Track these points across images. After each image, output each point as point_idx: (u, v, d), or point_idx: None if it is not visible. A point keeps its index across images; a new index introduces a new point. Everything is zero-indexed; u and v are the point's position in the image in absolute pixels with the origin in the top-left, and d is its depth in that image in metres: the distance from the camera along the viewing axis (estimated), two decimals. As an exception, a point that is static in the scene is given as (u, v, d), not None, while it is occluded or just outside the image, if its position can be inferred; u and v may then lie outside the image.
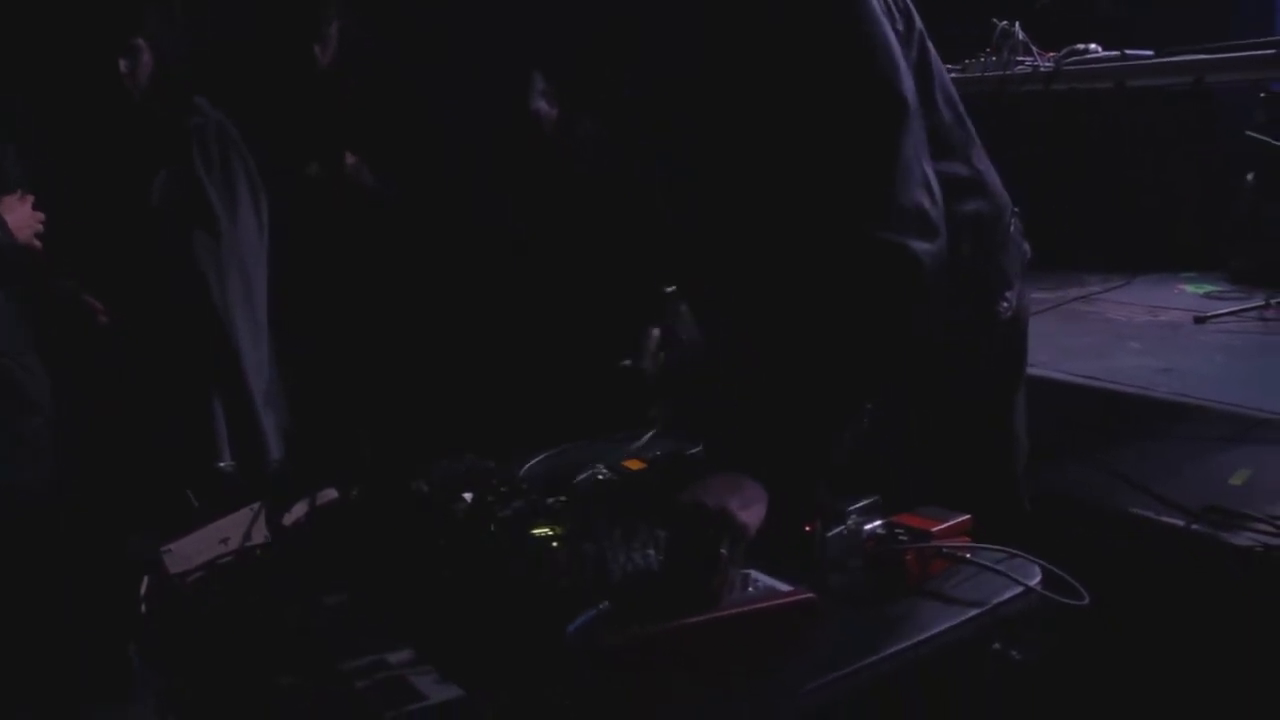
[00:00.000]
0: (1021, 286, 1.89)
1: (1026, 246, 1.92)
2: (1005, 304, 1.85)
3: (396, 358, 3.42)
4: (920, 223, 1.54)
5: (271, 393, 3.00)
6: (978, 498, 1.68)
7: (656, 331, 2.23)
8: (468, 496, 1.62)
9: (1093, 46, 3.59)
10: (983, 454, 1.88)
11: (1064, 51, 3.53)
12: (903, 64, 1.59)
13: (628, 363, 2.25)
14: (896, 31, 1.63)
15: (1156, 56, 3.41)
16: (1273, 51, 3.08)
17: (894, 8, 1.66)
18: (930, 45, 1.76)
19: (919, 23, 1.73)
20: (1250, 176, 5.14)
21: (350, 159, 3.88)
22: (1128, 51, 3.46)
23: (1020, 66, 3.52)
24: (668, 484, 1.53)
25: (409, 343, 3.48)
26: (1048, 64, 3.51)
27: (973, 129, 1.84)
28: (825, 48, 1.56)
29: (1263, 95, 4.95)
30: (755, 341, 1.74)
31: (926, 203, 1.55)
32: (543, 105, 3.74)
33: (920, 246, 1.52)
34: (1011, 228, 1.87)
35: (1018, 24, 3.55)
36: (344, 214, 3.72)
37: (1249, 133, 4.91)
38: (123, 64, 3.03)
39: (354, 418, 1.88)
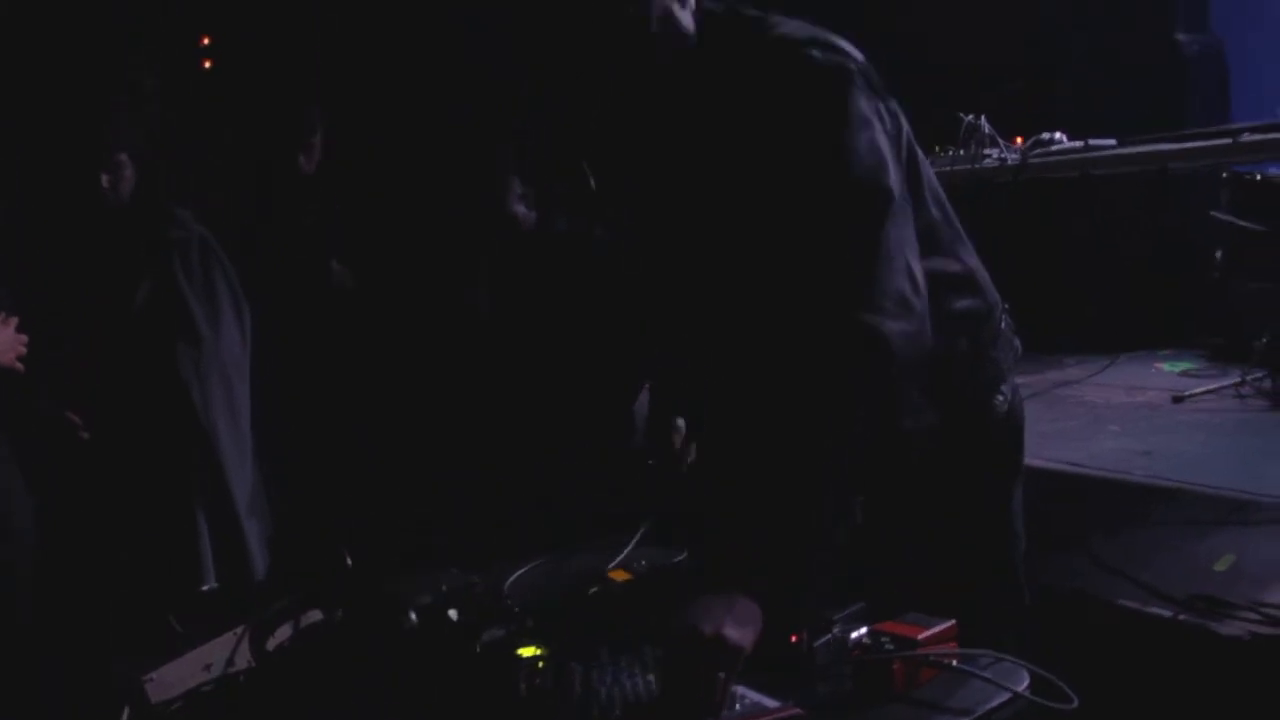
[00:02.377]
0: (1015, 382, 1.90)
1: (1018, 343, 1.94)
2: (1000, 398, 1.87)
3: (380, 467, 3.41)
4: (899, 307, 1.55)
5: (255, 505, 2.98)
6: (976, 595, 1.68)
7: (681, 422, 2.21)
8: (453, 614, 1.61)
9: (1058, 136, 3.68)
10: (981, 551, 1.88)
11: (1030, 142, 3.62)
12: (890, 159, 1.63)
13: (652, 462, 2.22)
14: (887, 133, 1.66)
15: (1119, 146, 3.50)
16: (1229, 141, 3.17)
17: (884, 110, 1.69)
18: (917, 148, 1.79)
19: (906, 126, 1.76)
20: (1219, 254, 5.23)
21: (336, 266, 3.92)
22: (1091, 141, 3.54)
23: (988, 159, 3.60)
24: (656, 599, 1.52)
25: (392, 452, 3.48)
26: (1014, 156, 3.59)
27: (960, 227, 1.86)
28: (816, 142, 1.60)
29: (1225, 175, 5.06)
30: (733, 435, 1.76)
31: (908, 290, 1.57)
32: (520, 208, 3.78)
33: (894, 326, 1.53)
34: (1003, 324, 1.90)
35: (983, 118, 3.63)
36: (329, 320, 3.74)
37: (1214, 213, 5.01)
38: (105, 178, 3.05)
39: (336, 533, 1.87)
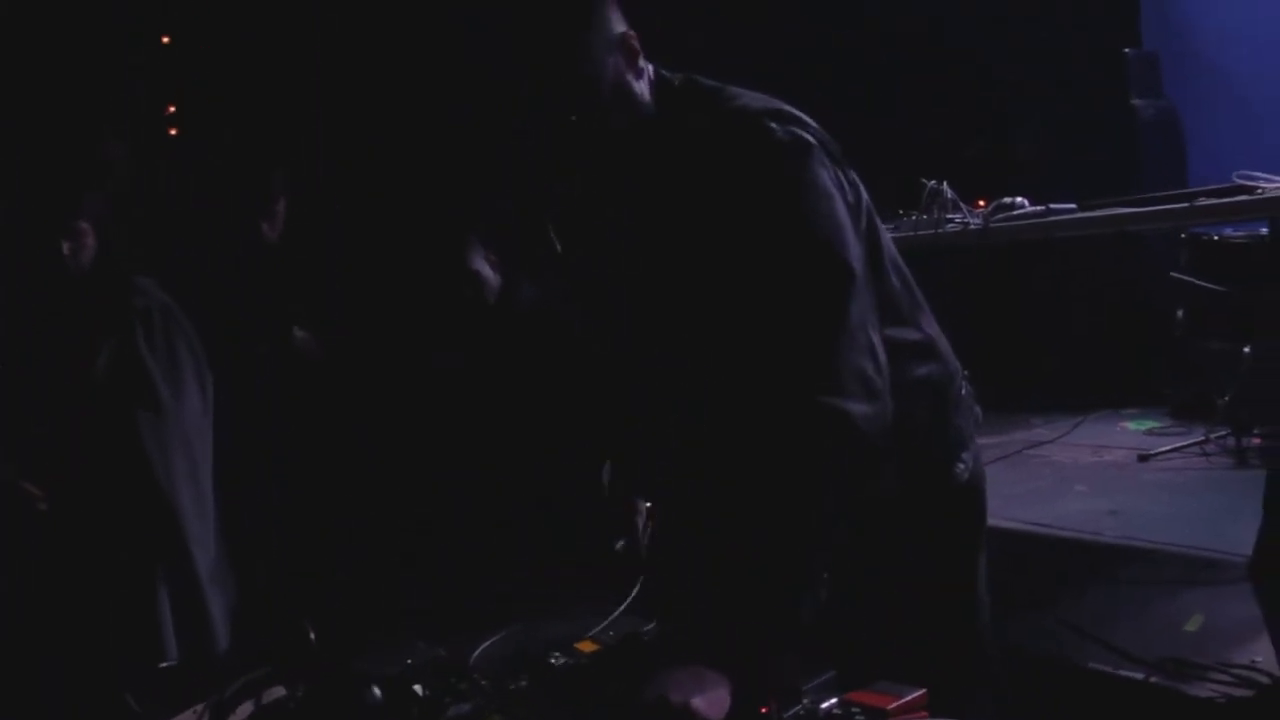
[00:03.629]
0: (976, 448, 1.90)
1: (978, 410, 1.94)
2: (961, 465, 1.86)
3: (345, 534, 3.38)
4: (862, 387, 1.56)
5: (219, 576, 2.93)
6: (944, 663, 1.67)
7: (647, 506, 2.20)
8: (418, 689, 1.58)
9: (1019, 200, 3.72)
10: (947, 616, 1.86)
11: (992, 207, 3.66)
12: (851, 235, 1.63)
13: (620, 544, 2.20)
14: (847, 203, 1.67)
15: (1079, 210, 3.55)
16: (1186, 205, 3.22)
17: (845, 181, 1.70)
18: (876, 216, 1.80)
19: (865, 195, 1.77)
20: (1180, 313, 5.29)
21: (299, 332, 3.90)
22: (1052, 206, 3.59)
23: (951, 224, 3.64)
24: (623, 671, 1.51)
25: (357, 518, 3.44)
26: (976, 220, 3.63)
27: (920, 295, 1.87)
28: (777, 216, 1.60)
29: (1183, 236, 5.15)
30: (699, 508, 1.75)
31: (870, 368, 1.57)
32: (483, 267, 3.78)
33: (857, 408, 1.53)
34: (963, 390, 1.89)
35: (945, 183, 3.68)
36: (292, 387, 3.72)
37: (1174, 274, 5.09)
38: (65, 246, 3.02)
39: (298, 604, 1.84)
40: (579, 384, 3.19)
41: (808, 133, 1.65)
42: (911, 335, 1.81)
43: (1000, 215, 3.62)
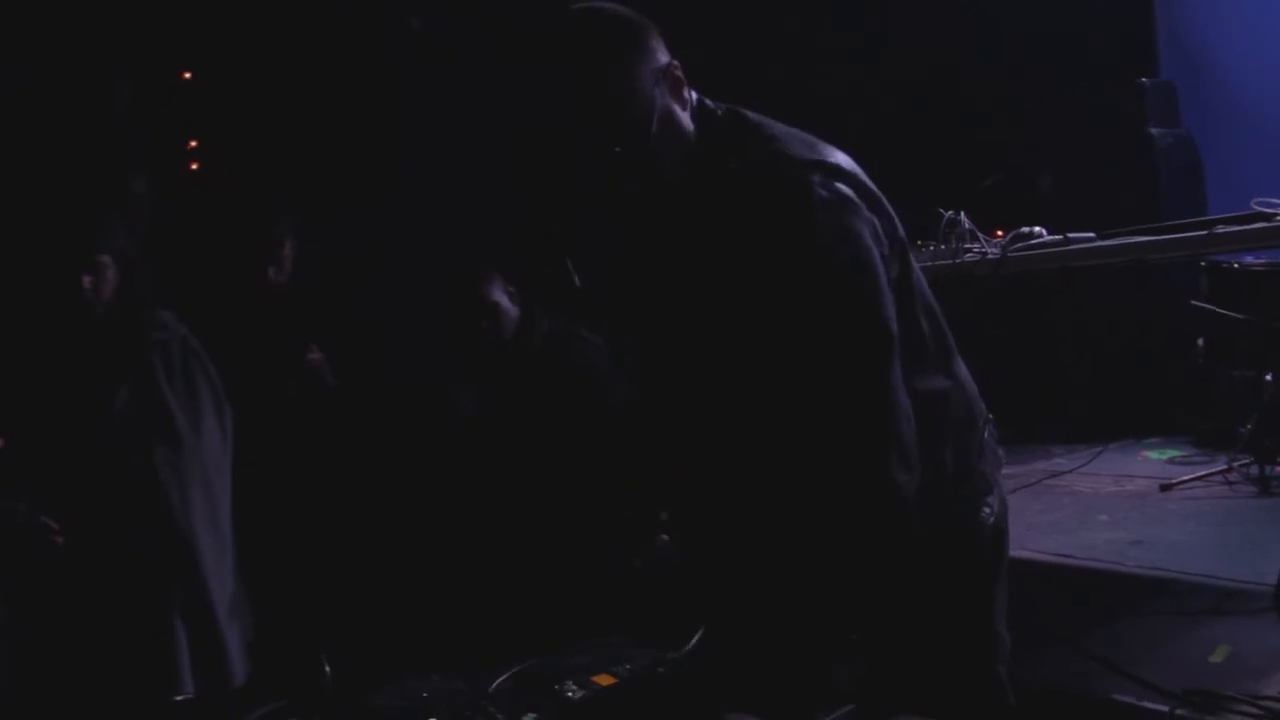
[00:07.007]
0: (1000, 491, 1.88)
1: (1000, 452, 1.92)
2: (987, 510, 1.84)
3: (363, 567, 3.37)
4: (908, 457, 1.58)
5: (236, 609, 2.93)
6: (962, 698, 1.66)
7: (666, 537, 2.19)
8: (435, 723, 1.58)
9: (1038, 229, 3.70)
10: (965, 654, 1.85)
11: (1010, 236, 3.65)
12: (887, 293, 1.63)
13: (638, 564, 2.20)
14: (883, 256, 1.65)
15: (1099, 239, 3.53)
16: (1205, 233, 3.21)
17: (880, 230, 1.68)
18: (911, 257, 1.78)
19: (901, 233, 1.75)
20: (1201, 341, 5.26)
21: (314, 356, 3.90)
22: (1070, 235, 3.57)
23: (969, 253, 3.63)
24: (640, 705, 1.50)
25: (375, 551, 3.44)
26: (994, 250, 3.61)
27: (950, 339, 1.85)
28: (817, 275, 1.59)
29: (1203, 264, 5.12)
30: (739, 561, 1.75)
31: (910, 438, 1.60)
32: (502, 299, 3.79)
33: (904, 478, 1.57)
34: (987, 434, 1.87)
35: (963, 213, 3.67)
36: (307, 416, 3.72)
37: (1194, 302, 5.05)
38: (86, 280, 3.04)
39: (314, 638, 1.83)
40: (594, 416, 3.19)
41: (848, 185, 1.64)
42: (939, 384, 1.78)
43: (1018, 244, 3.60)
